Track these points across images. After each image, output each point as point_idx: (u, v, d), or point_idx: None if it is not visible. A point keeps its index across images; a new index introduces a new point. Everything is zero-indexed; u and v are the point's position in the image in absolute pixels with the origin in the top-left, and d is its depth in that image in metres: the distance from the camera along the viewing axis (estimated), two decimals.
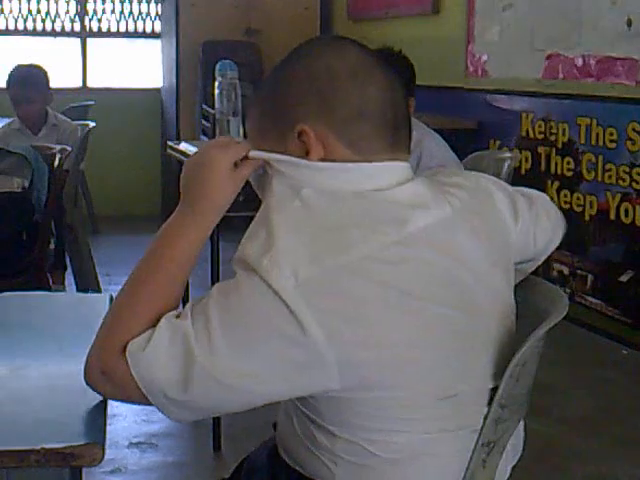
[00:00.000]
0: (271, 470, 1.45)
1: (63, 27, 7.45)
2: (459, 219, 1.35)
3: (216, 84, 3.70)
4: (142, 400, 1.26)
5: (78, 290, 4.28)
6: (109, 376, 1.26)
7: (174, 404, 1.25)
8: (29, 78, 4.47)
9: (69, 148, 3.72)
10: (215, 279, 3.10)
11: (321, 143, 1.31)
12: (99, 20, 7.49)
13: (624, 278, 4.33)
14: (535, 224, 1.50)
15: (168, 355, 1.22)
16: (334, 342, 1.20)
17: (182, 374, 1.21)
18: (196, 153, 1.39)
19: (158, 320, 1.25)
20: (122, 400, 1.30)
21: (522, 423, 1.50)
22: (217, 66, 3.72)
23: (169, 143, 3.99)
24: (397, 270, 1.25)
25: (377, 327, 1.23)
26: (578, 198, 4.62)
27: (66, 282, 4.17)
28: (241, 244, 1.28)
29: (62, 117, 4.74)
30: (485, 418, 1.34)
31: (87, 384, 1.29)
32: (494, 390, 1.34)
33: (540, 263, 1.58)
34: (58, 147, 3.57)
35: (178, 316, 1.26)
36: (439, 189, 1.37)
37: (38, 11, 7.35)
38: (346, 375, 1.23)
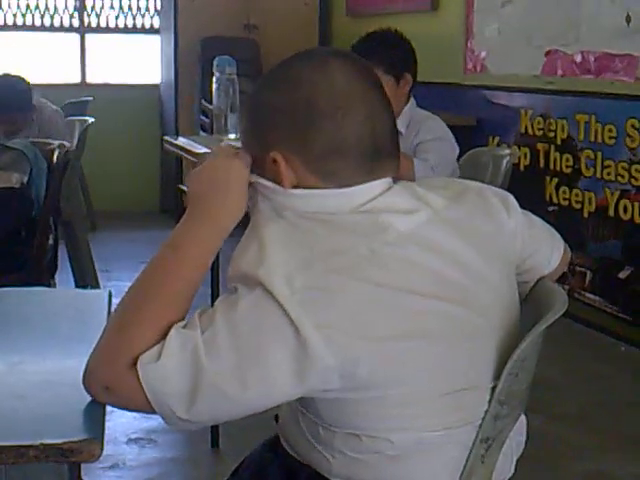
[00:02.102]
0: (270, 458, 1.46)
1: (62, 22, 7.43)
2: (443, 219, 1.35)
3: (214, 79, 3.70)
4: (146, 410, 1.25)
5: (76, 286, 4.28)
6: (114, 390, 1.25)
7: (181, 418, 1.25)
8: (9, 101, 4.36)
9: (67, 144, 3.72)
10: (215, 277, 3.10)
11: (293, 172, 1.32)
12: (98, 16, 7.48)
13: (623, 275, 4.34)
14: (529, 223, 1.50)
15: (179, 366, 1.22)
16: (332, 346, 1.21)
17: (191, 385, 1.21)
18: (208, 162, 1.38)
19: (166, 332, 1.25)
20: (125, 409, 1.30)
21: (524, 418, 1.50)
22: (215, 61, 3.72)
23: (166, 138, 3.97)
24: (388, 269, 1.26)
25: (373, 327, 1.23)
26: (577, 195, 4.62)
27: (58, 278, 4.14)
28: (233, 260, 1.28)
29: (46, 107, 4.66)
30: (484, 414, 1.34)
31: (88, 393, 1.28)
32: (495, 386, 1.35)
33: (547, 274, 1.54)
34: (56, 142, 3.56)
35: (184, 326, 1.25)
36: (420, 193, 1.37)
37: (37, 6, 7.33)
38: (346, 377, 1.23)
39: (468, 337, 1.32)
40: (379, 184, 1.34)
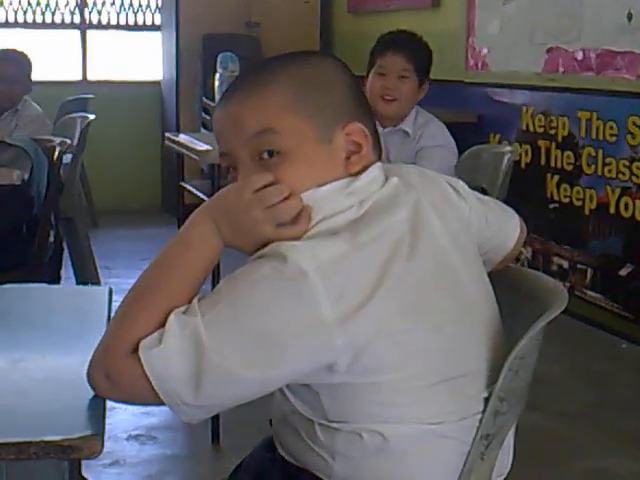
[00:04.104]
0: (265, 464, 1.45)
1: (63, 19, 7.43)
2: (425, 203, 1.37)
3: (217, 76, 3.71)
4: (152, 401, 1.24)
5: (77, 283, 4.28)
6: (115, 379, 1.24)
7: (188, 404, 1.23)
8: (8, 59, 4.56)
9: (68, 141, 3.72)
10: (216, 271, 3.11)
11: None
12: (99, 12, 7.48)
13: (624, 272, 4.34)
14: (482, 205, 1.52)
15: (181, 351, 1.20)
16: (344, 325, 1.21)
17: (194, 367, 1.20)
18: (238, 189, 1.30)
19: (167, 320, 1.24)
20: (130, 403, 1.29)
21: None
22: (219, 58, 3.74)
23: (167, 135, 3.98)
24: (401, 251, 1.27)
25: (385, 310, 1.24)
26: (578, 192, 4.62)
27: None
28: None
29: (32, 104, 4.74)
30: (484, 411, 1.34)
31: (92, 389, 1.27)
32: (490, 376, 1.35)
33: (507, 253, 1.57)
34: (58, 140, 3.56)
35: (185, 312, 1.24)
36: (402, 177, 1.40)
37: (38, 3, 7.33)
38: (353, 357, 1.23)
39: (460, 322, 1.34)
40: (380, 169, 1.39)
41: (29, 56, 4.68)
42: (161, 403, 1.24)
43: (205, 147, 3.34)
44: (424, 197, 1.37)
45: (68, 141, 3.71)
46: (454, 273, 1.35)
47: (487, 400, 1.35)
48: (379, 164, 1.39)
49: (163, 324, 1.23)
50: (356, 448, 1.31)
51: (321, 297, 1.20)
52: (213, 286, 1.27)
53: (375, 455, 1.30)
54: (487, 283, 1.45)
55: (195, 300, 1.25)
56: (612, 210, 4.38)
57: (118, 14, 7.52)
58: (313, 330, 1.21)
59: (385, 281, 1.24)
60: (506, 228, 1.57)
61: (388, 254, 1.26)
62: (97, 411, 1.26)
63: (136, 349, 1.22)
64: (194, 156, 3.40)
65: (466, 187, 1.50)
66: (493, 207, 1.56)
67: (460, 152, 3.33)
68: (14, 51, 4.67)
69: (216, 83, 3.75)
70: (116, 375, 1.24)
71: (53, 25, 7.43)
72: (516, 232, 1.58)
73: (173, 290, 1.27)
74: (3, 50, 4.67)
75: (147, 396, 1.23)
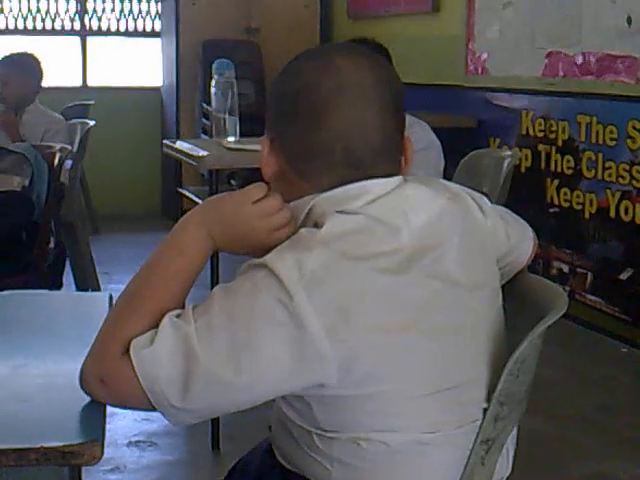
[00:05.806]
0: (265, 469, 1.45)
1: (63, 26, 7.44)
2: (449, 214, 1.37)
3: (212, 83, 3.72)
4: (143, 404, 1.24)
5: (77, 289, 4.28)
6: (108, 382, 1.25)
7: (175, 406, 1.24)
8: (14, 63, 4.55)
9: (69, 147, 3.72)
10: (215, 276, 3.11)
11: (276, 158, 1.36)
12: (99, 19, 7.49)
13: (624, 276, 4.34)
14: (503, 221, 1.52)
15: (171, 353, 1.22)
16: (333, 336, 1.21)
17: (183, 370, 1.21)
18: (235, 194, 1.35)
19: (159, 322, 1.25)
20: (122, 406, 1.29)
21: None
22: (214, 65, 3.74)
23: (165, 141, 3.98)
24: (393, 261, 1.27)
25: (375, 318, 1.24)
26: (578, 196, 4.62)
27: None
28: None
29: (57, 116, 4.71)
30: (484, 415, 1.34)
31: (85, 393, 1.28)
32: (490, 384, 1.35)
33: (522, 266, 1.57)
34: (58, 146, 3.56)
35: (178, 316, 1.25)
36: (434, 186, 1.40)
37: (38, 10, 7.34)
38: (343, 370, 1.23)
39: (459, 333, 1.33)
40: (383, 184, 1.34)
41: (29, 60, 4.63)
42: (151, 407, 1.25)
43: (202, 153, 3.33)
44: (450, 207, 1.37)
45: (68, 147, 3.71)
46: (456, 286, 1.33)
47: (485, 410, 1.35)
48: (377, 181, 1.33)
49: (154, 326, 1.25)
50: (355, 455, 1.30)
51: (307, 308, 1.21)
52: (212, 289, 1.29)
53: (374, 462, 1.30)
54: (497, 297, 1.43)
55: (190, 306, 1.26)
56: (612, 214, 4.38)
57: (118, 20, 7.53)
58: (300, 340, 1.21)
59: (375, 293, 1.24)
60: (523, 242, 1.57)
61: (379, 266, 1.25)
62: (97, 417, 1.26)
63: (128, 351, 1.23)
64: (192, 162, 3.40)
65: (489, 203, 1.49)
66: (512, 223, 1.56)
67: (460, 157, 3.34)
68: (12, 55, 4.64)
69: (212, 90, 3.75)
70: (109, 377, 1.25)
71: (53, 31, 7.43)
72: (530, 245, 1.59)
73: (166, 294, 1.29)
74: (12, 53, 4.66)
75: (138, 399, 1.24)
